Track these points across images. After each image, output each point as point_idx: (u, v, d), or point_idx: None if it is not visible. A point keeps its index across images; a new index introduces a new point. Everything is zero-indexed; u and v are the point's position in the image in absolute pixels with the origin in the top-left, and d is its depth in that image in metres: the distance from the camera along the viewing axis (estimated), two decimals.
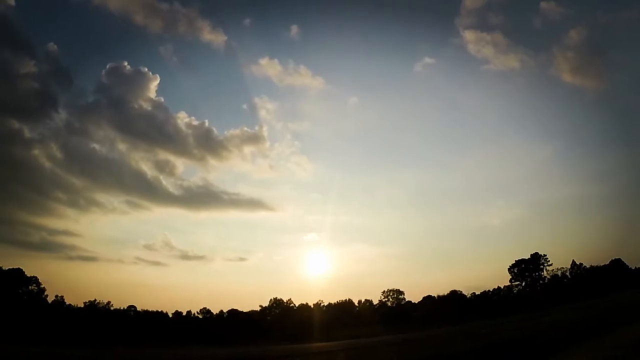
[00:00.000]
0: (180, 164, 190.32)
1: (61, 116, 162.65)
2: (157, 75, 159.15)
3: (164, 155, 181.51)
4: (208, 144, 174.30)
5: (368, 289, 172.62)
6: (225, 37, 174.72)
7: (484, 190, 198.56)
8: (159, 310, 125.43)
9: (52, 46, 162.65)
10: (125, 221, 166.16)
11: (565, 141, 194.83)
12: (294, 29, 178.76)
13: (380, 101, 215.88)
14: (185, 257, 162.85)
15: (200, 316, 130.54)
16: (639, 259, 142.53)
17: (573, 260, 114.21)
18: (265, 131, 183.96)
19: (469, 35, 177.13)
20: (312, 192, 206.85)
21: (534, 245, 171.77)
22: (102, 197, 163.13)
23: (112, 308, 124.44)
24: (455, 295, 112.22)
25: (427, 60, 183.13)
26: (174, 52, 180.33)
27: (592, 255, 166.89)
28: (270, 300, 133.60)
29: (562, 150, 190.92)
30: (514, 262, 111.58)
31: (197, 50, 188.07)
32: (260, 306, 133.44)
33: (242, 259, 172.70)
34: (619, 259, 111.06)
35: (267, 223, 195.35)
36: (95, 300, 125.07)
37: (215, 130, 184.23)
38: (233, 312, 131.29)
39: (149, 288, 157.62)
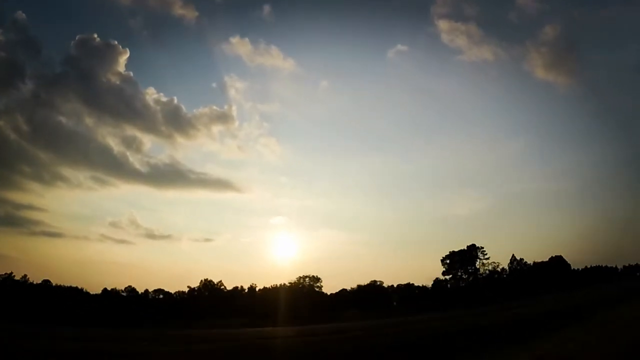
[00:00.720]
0: (147, 140, 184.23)
1: (28, 87, 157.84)
2: (127, 49, 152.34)
3: (131, 131, 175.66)
4: (176, 122, 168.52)
5: (329, 275, 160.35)
6: (196, 13, 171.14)
7: (452, 180, 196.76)
8: (75, 286, 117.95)
9: (20, 14, 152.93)
10: (91, 197, 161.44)
11: (535, 135, 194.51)
12: (266, 8, 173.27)
13: (352, 86, 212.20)
14: (151, 236, 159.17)
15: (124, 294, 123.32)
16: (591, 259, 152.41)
17: (513, 254, 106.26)
18: (234, 111, 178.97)
19: (443, 25, 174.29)
20: (280, 175, 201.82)
21: (499, 236, 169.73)
22: (67, 171, 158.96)
23: (28, 282, 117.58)
24: (374, 286, 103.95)
25: (400, 47, 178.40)
26: (144, 25, 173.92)
27: (553, 250, 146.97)
28: (201, 281, 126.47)
29: (531, 144, 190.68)
30: (447, 253, 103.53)
31: (167, 25, 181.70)
32: (189, 287, 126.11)
33: (208, 240, 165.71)
34: (560, 257, 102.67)
35: (235, 204, 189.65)
36: (11, 273, 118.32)
37: (184, 108, 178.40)
38: (158, 292, 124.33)
39: (113, 266, 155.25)
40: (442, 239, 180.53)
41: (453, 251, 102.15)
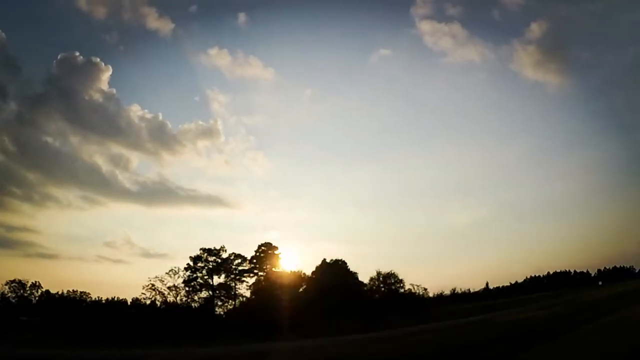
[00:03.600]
0: (134, 158, 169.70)
1: (11, 107, 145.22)
2: (110, 66, 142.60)
3: (117, 149, 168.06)
4: (162, 138, 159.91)
5: None
6: (172, 25, 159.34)
7: (447, 188, 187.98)
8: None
9: None
10: (82, 217, 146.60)
11: (528, 138, 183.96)
12: (241, 16, 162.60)
13: (337, 94, 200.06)
14: (146, 255, 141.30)
15: None
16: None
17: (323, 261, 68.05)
18: (219, 125, 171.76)
19: (425, 26, 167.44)
20: (270, 188, 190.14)
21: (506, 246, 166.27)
22: (57, 192, 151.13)
23: None
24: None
25: (383, 51, 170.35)
26: (120, 40, 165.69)
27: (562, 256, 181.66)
28: None
29: (525, 147, 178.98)
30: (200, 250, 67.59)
31: (144, 39, 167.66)
32: None
33: None
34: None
35: (227, 220, 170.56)
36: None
37: (169, 124, 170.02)
38: None
39: (111, 287, 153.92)
40: (440, 249, 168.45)
41: (206, 249, 67.06)
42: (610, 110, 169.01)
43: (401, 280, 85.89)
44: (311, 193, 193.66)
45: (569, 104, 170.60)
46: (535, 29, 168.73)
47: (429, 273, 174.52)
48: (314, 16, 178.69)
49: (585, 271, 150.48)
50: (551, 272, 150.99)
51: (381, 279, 77.66)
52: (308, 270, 78.01)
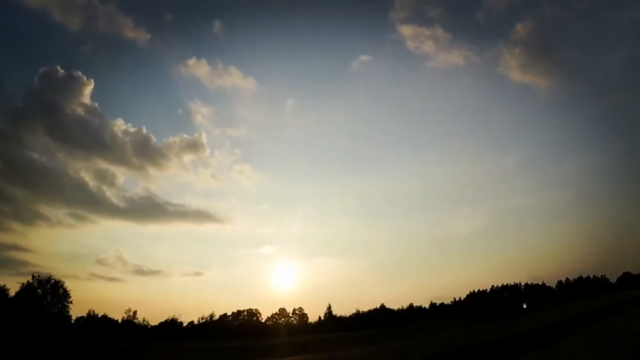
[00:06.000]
0: (120, 174, 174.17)
1: None
2: (91, 80, 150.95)
3: (102, 164, 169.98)
4: (147, 152, 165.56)
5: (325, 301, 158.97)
6: (148, 35, 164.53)
7: (440, 197, 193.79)
8: None
9: None
10: (72, 235, 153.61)
11: (519, 143, 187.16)
12: (217, 24, 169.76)
13: (320, 103, 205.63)
14: (140, 272, 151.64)
15: None
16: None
17: None
18: (204, 138, 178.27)
19: (406, 30, 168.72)
20: (260, 202, 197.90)
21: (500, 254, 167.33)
22: (45, 209, 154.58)
23: None
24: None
25: (364, 57, 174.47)
26: (98, 52, 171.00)
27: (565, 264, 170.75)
28: None
29: (523, 155, 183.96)
30: None
31: (121, 51, 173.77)
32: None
33: (198, 274, 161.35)
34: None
35: (218, 235, 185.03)
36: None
37: (153, 138, 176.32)
38: None
39: (110, 306, 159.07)
40: (433, 259, 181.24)
41: None
42: (602, 114, 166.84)
43: (66, 291, 68.62)
44: (302, 206, 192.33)
45: (560, 107, 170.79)
46: (521, 30, 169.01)
47: (425, 283, 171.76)
48: (291, 23, 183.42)
49: (540, 283, 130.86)
50: (497, 286, 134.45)
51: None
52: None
